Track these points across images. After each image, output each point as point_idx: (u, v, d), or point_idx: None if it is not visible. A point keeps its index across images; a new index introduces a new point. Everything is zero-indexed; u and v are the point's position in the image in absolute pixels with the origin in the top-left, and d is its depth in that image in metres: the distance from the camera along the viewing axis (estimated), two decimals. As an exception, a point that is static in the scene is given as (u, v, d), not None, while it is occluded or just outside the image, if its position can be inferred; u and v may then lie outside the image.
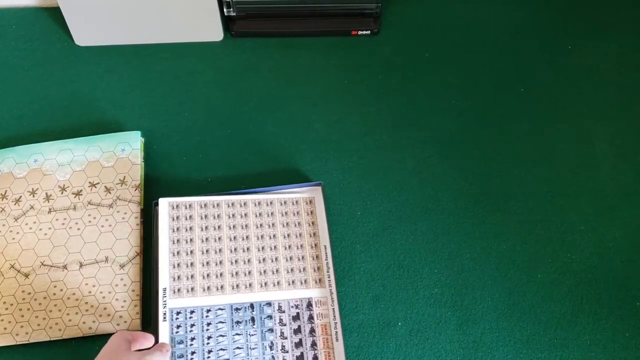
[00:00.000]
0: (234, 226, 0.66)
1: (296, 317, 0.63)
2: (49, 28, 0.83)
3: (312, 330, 0.62)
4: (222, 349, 0.60)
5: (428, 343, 0.62)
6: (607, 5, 0.84)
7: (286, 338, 0.61)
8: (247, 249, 0.65)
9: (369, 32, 0.81)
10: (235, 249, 0.65)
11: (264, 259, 0.65)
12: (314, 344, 0.62)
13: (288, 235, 0.67)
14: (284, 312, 0.63)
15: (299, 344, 0.61)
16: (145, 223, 0.68)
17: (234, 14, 0.80)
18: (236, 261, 0.64)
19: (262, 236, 0.66)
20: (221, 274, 0.63)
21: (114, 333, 0.57)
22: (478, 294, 0.65)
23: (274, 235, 0.66)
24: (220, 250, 0.65)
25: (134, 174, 0.69)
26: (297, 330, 0.62)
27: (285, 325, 0.62)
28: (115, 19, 0.78)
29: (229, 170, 0.72)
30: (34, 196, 0.69)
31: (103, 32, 0.80)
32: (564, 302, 0.64)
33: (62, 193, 0.69)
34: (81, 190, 0.69)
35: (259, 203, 0.67)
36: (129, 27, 0.80)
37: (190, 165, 0.72)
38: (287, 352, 0.61)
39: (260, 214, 0.67)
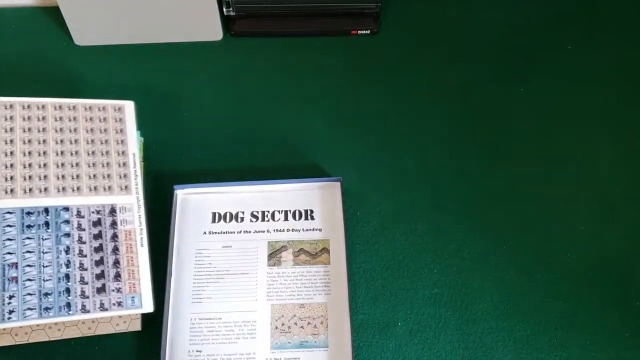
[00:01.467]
0: (29, 129, 0.62)
1: (97, 223, 0.61)
2: (48, 28, 0.83)
3: (115, 236, 0.61)
4: (9, 253, 0.57)
5: (428, 343, 0.62)
6: (607, 5, 0.83)
7: (84, 242, 0.60)
8: (44, 152, 0.62)
9: (369, 31, 0.81)
10: (29, 152, 0.61)
11: (62, 164, 0.62)
12: (115, 249, 0.60)
13: (92, 141, 0.64)
14: (83, 217, 0.61)
15: (98, 249, 0.60)
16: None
17: (234, 13, 0.80)
18: (30, 165, 0.61)
19: (61, 140, 0.63)
20: (12, 177, 0.60)
21: (113, 333, 0.57)
22: (478, 294, 0.65)
23: (75, 140, 0.63)
24: (11, 152, 0.61)
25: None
26: (98, 236, 0.60)
27: (84, 230, 0.60)
28: (114, 18, 0.78)
29: (228, 169, 0.72)
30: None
31: (102, 32, 0.80)
32: (564, 302, 0.64)
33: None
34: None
35: (59, 107, 0.64)
36: (128, 27, 0.80)
37: (189, 164, 0.72)
38: (85, 256, 0.59)
39: (60, 118, 0.64)
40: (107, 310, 0.59)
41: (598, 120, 0.75)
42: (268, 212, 0.68)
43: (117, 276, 0.59)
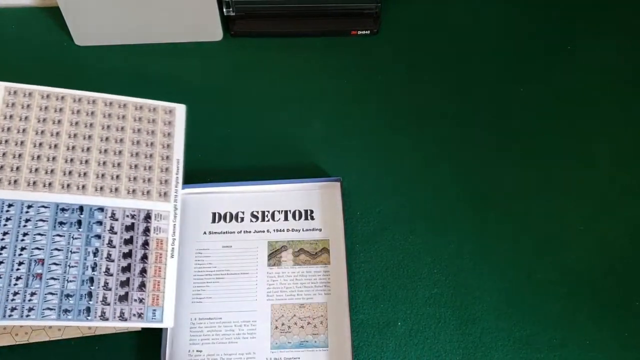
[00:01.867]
0: (76, 123, 0.61)
1: (130, 227, 0.59)
2: (49, 28, 0.83)
3: (146, 243, 0.59)
4: (37, 248, 0.56)
5: (427, 343, 0.62)
6: (607, 5, 0.83)
7: (114, 247, 0.57)
8: (88, 149, 0.60)
9: (369, 32, 0.81)
10: (73, 147, 0.60)
11: (104, 162, 0.60)
12: (144, 257, 0.59)
13: (138, 142, 0.62)
14: (117, 219, 0.59)
15: (127, 255, 0.58)
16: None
17: (234, 13, 0.80)
18: (72, 160, 0.59)
19: (107, 138, 0.61)
20: (52, 171, 0.58)
21: (113, 334, 0.57)
22: (477, 294, 0.65)
23: (121, 140, 0.62)
24: (56, 145, 0.60)
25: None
26: (129, 241, 0.58)
27: (115, 233, 0.58)
28: (114, 19, 0.78)
29: (228, 169, 0.72)
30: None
31: (102, 32, 0.80)
32: (564, 302, 0.64)
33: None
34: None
35: (110, 104, 0.63)
36: (128, 27, 0.80)
37: (189, 164, 0.72)
38: (113, 260, 0.57)
39: (109, 115, 0.62)
40: (126, 320, 0.56)
41: (598, 121, 0.75)
42: (268, 212, 0.68)
43: (142, 286, 0.57)
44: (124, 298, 0.56)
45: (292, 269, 0.65)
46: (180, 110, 0.64)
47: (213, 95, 0.78)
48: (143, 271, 0.57)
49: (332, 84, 0.78)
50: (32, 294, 0.54)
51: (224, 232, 0.67)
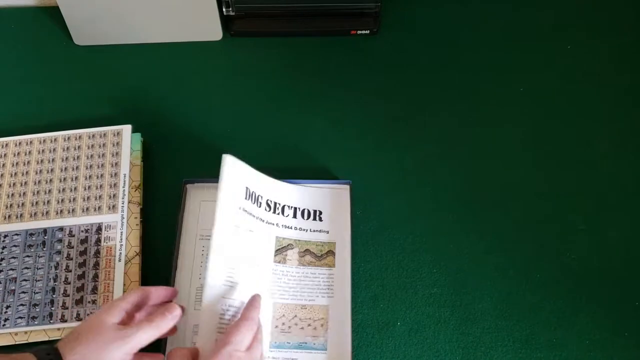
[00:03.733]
0: (41, 161, 0.70)
1: (84, 240, 0.65)
2: (48, 28, 0.83)
3: (98, 252, 0.65)
4: (11, 269, 0.64)
5: (427, 343, 0.62)
6: (606, 5, 0.83)
7: (72, 259, 0.65)
8: (50, 180, 0.68)
9: (369, 31, 0.81)
10: (39, 182, 0.69)
11: (63, 189, 0.68)
12: (96, 264, 0.64)
13: (91, 166, 0.69)
14: (73, 235, 0.66)
15: (82, 264, 0.64)
16: (144, 223, 0.68)
17: (233, 13, 0.80)
18: (38, 192, 0.68)
19: (65, 168, 0.69)
20: (22, 204, 0.68)
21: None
22: (477, 294, 0.65)
23: (77, 167, 0.69)
24: (25, 183, 0.69)
25: (134, 175, 0.69)
26: (83, 252, 0.65)
27: (72, 247, 0.65)
28: (114, 18, 0.78)
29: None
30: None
31: (102, 32, 0.80)
32: (563, 301, 0.64)
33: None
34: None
35: (68, 138, 0.71)
36: (127, 26, 0.80)
37: (189, 164, 0.72)
38: (71, 271, 0.64)
39: (67, 148, 0.70)
40: (82, 320, 0.62)
41: (598, 120, 0.75)
42: (279, 204, 0.67)
43: (94, 289, 0.63)
44: (79, 301, 0.63)
45: (296, 268, 0.64)
46: (126, 130, 0.71)
47: (213, 95, 0.78)
48: (95, 276, 0.64)
49: (331, 83, 0.78)
50: (7, 307, 0.63)
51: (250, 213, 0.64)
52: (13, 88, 0.79)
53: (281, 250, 0.65)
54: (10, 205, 0.68)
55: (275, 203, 0.67)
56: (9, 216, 0.68)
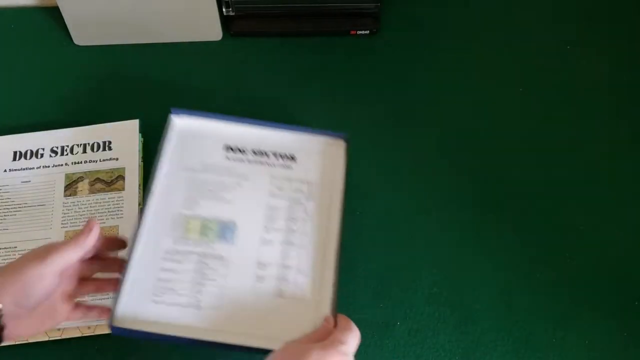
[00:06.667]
0: None
1: None
2: (48, 28, 0.83)
3: None
4: None
5: (427, 342, 0.62)
6: (606, 6, 0.83)
7: None
8: None
9: (368, 31, 0.81)
10: None
11: None
12: None
13: None
14: None
15: None
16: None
17: (233, 13, 0.80)
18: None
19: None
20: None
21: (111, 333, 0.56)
22: (477, 294, 0.65)
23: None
24: None
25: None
26: None
27: None
28: (114, 18, 0.78)
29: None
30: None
31: (102, 32, 0.80)
32: (563, 301, 0.64)
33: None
34: (79, 190, 0.70)
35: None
36: (127, 26, 0.80)
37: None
38: None
39: None
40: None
41: (598, 120, 0.75)
42: (67, 146, 0.71)
43: None
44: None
45: (87, 197, 0.68)
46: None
47: (212, 95, 0.77)
48: None
49: (331, 83, 0.78)
50: None
51: (24, 169, 0.70)
52: (13, 88, 0.78)
53: (71, 185, 0.69)
54: None
55: (62, 147, 0.71)
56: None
